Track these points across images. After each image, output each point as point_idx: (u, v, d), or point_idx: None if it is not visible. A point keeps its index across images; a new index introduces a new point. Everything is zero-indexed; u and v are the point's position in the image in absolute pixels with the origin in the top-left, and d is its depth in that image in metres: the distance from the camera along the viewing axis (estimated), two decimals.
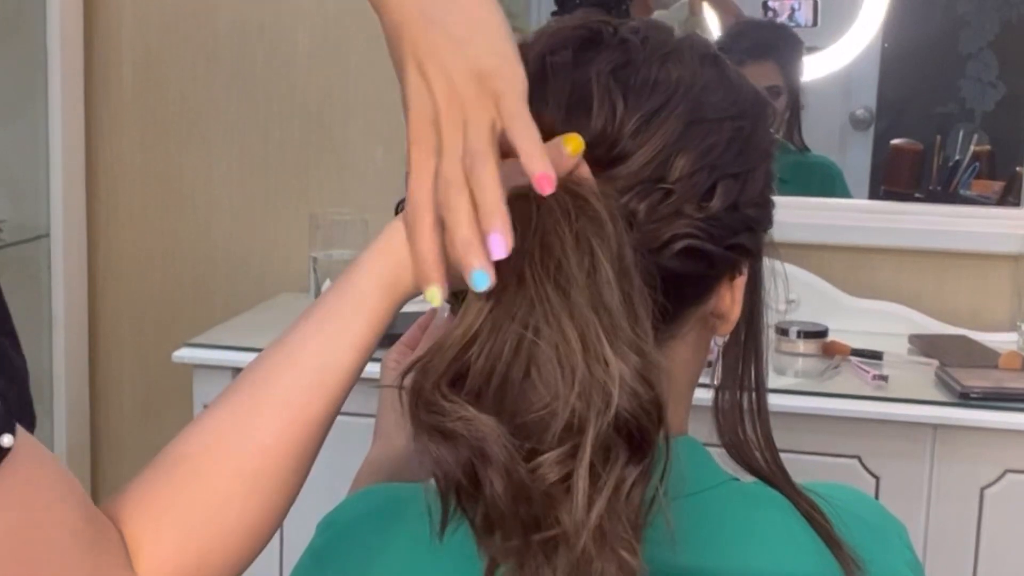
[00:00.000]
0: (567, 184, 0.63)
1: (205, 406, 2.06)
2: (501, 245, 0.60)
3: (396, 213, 0.73)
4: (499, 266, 0.61)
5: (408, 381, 0.62)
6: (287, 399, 0.64)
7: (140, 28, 2.25)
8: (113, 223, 2.30)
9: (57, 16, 2.10)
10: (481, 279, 0.61)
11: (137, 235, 2.30)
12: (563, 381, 0.59)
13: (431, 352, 0.62)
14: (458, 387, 0.61)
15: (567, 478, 0.59)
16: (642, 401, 0.59)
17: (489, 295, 0.61)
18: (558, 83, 0.70)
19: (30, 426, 0.67)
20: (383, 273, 0.65)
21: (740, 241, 0.71)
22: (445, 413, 0.60)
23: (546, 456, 0.59)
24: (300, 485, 0.65)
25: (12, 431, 0.55)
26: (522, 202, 0.63)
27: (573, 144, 0.65)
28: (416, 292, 0.65)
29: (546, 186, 0.61)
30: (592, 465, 0.58)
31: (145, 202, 2.29)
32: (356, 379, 0.65)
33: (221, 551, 0.62)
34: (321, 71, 2.19)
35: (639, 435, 0.60)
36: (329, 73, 2.19)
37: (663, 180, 0.68)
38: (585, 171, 0.66)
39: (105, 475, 2.34)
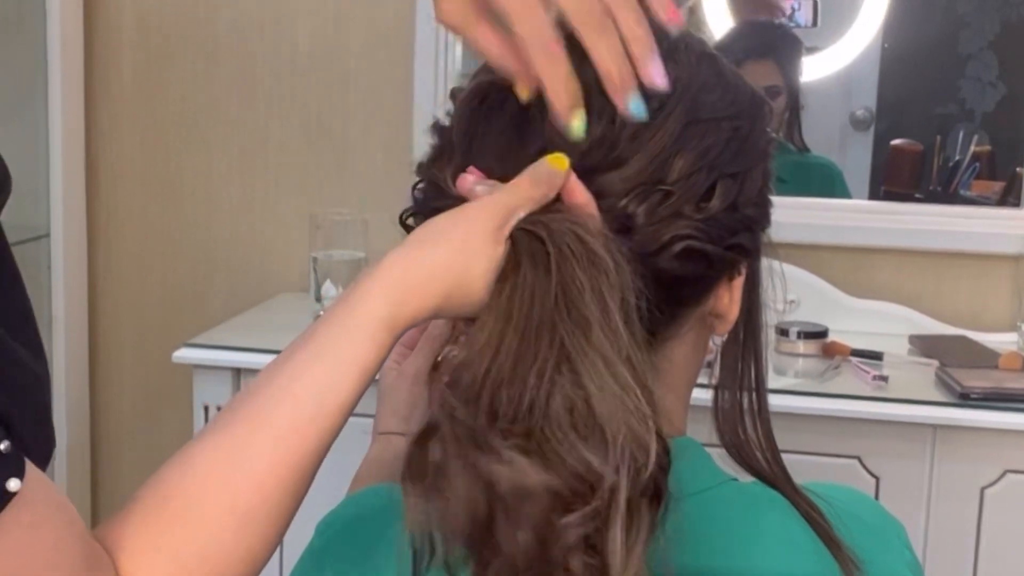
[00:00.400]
0: (576, 230, 0.63)
1: (205, 407, 2.05)
2: (662, 74, 0.64)
3: (401, 223, 0.73)
4: (519, 302, 0.61)
5: (445, 408, 0.60)
6: (282, 431, 0.63)
7: (140, 28, 2.25)
8: (113, 223, 2.30)
9: (57, 16, 2.10)
10: (639, 106, 0.64)
11: (137, 235, 2.30)
12: (599, 437, 0.57)
13: (467, 382, 0.59)
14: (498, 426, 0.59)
15: (587, 539, 0.57)
16: (659, 455, 0.58)
17: (509, 325, 0.60)
18: None
19: (48, 448, 0.66)
20: (385, 304, 0.63)
21: (739, 241, 0.71)
22: (499, 453, 0.57)
23: (571, 517, 0.57)
24: (294, 513, 0.65)
25: (20, 475, 0.55)
26: (536, 243, 0.63)
27: (559, 163, 0.66)
28: (417, 321, 0.64)
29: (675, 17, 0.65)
30: (626, 526, 0.57)
31: (145, 202, 2.29)
32: (353, 408, 0.64)
33: None
34: (321, 71, 2.19)
35: (657, 488, 0.59)
36: (329, 73, 2.19)
37: (662, 182, 0.68)
38: (590, 207, 0.65)
39: (105, 475, 2.34)
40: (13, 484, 0.54)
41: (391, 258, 0.64)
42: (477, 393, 0.59)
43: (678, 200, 0.68)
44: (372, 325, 0.63)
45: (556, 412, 0.58)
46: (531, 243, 0.63)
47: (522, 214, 0.65)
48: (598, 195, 0.67)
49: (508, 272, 0.63)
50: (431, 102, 2.06)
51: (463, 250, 0.64)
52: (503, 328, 0.61)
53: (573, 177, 0.66)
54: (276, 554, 2.01)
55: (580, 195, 0.66)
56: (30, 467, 0.56)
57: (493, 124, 0.70)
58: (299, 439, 0.63)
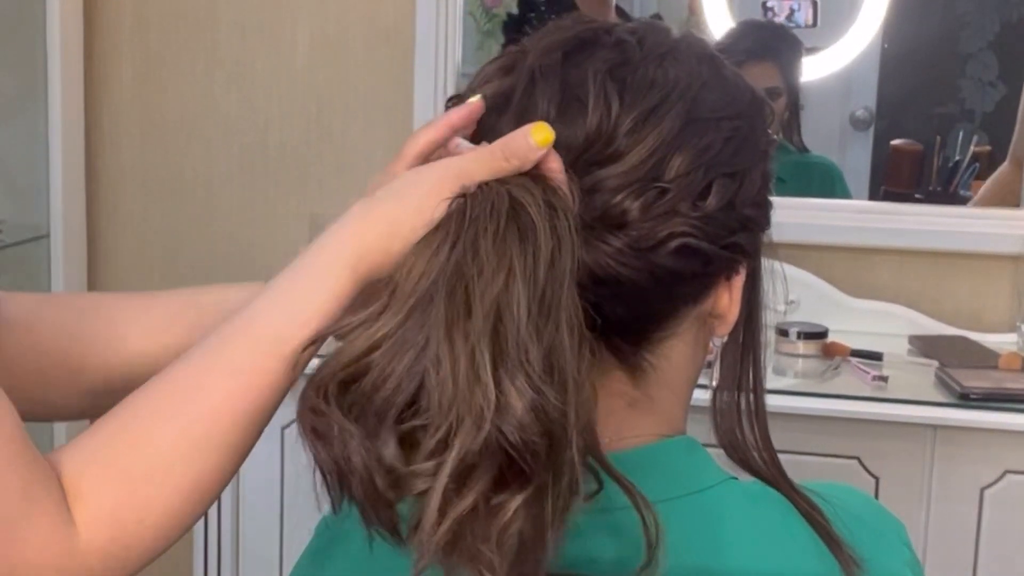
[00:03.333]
0: (511, 189, 0.64)
1: None
2: None
3: None
4: (419, 276, 0.61)
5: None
6: (240, 366, 0.64)
7: (140, 28, 2.25)
8: (113, 223, 2.30)
9: (57, 16, 2.11)
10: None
11: (137, 235, 2.30)
12: (442, 399, 0.58)
13: (333, 354, 0.62)
14: (347, 391, 0.61)
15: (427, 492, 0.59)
16: (528, 436, 0.58)
17: (403, 306, 0.61)
18: (549, 84, 0.70)
19: None
20: (349, 254, 0.66)
21: (736, 240, 0.71)
22: (323, 416, 0.61)
23: (414, 467, 0.59)
24: (248, 450, 0.66)
25: None
26: (459, 210, 0.63)
27: (540, 134, 0.65)
28: (378, 272, 0.65)
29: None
30: (457, 483, 0.58)
31: (145, 202, 2.29)
32: (313, 354, 0.65)
33: (162, 508, 0.62)
34: (321, 71, 2.19)
35: (522, 465, 0.59)
36: (329, 73, 2.19)
37: (658, 179, 0.68)
38: (555, 166, 0.66)
39: None
40: None
41: (354, 213, 0.68)
42: (336, 357, 0.61)
43: (674, 197, 0.68)
44: (334, 269, 0.66)
45: (429, 374, 0.59)
46: (457, 209, 0.63)
47: (478, 179, 0.65)
48: (593, 190, 0.67)
49: (427, 236, 0.63)
50: (431, 102, 2.06)
51: (411, 207, 0.65)
52: (385, 307, 0.62)
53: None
54: (276, 555, 2.01)
55: (552, 161, 0.66)
56: None
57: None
58: (255, 375, 0.64)
